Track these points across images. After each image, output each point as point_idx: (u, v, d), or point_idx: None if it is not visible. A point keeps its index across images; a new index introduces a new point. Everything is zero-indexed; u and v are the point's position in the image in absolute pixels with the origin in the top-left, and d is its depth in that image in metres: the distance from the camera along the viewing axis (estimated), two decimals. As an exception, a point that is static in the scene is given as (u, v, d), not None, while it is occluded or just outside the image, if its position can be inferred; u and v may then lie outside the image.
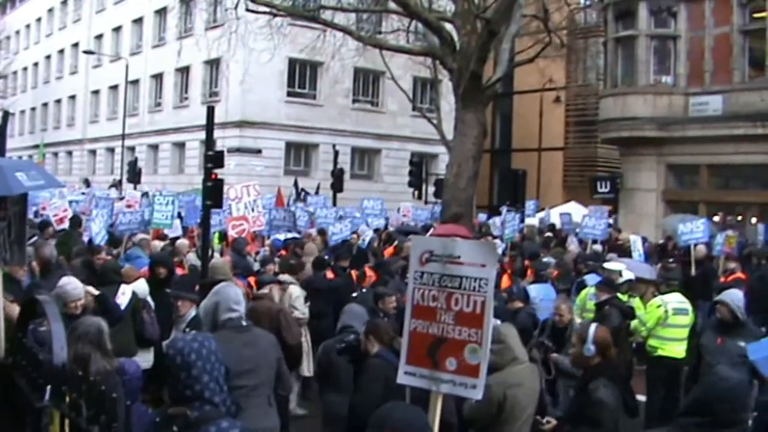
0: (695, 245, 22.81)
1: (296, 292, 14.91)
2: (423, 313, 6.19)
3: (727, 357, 11.47)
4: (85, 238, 21.74)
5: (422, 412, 5.60)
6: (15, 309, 8.62)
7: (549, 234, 29.36)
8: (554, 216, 34.83)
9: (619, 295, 14.73)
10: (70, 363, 7.12)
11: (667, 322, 14.32)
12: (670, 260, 21.54)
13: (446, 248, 6.08)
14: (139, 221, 22.61)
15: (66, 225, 24.48)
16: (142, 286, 12.51)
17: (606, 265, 17.52)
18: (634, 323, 14.30)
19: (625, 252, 24.01)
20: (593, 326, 8.92)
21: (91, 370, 7.24)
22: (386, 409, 5.20)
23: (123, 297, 12.17)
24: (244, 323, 8.46)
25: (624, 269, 16.48)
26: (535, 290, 15.90)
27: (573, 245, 26.04)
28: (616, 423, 8.38)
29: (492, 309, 5.92)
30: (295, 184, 44.24)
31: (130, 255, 17.52)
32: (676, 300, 14.60)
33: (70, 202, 29.13)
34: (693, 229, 23.08)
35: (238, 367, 8.09)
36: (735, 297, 12.58)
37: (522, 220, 30.73)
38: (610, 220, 32.98)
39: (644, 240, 27.19)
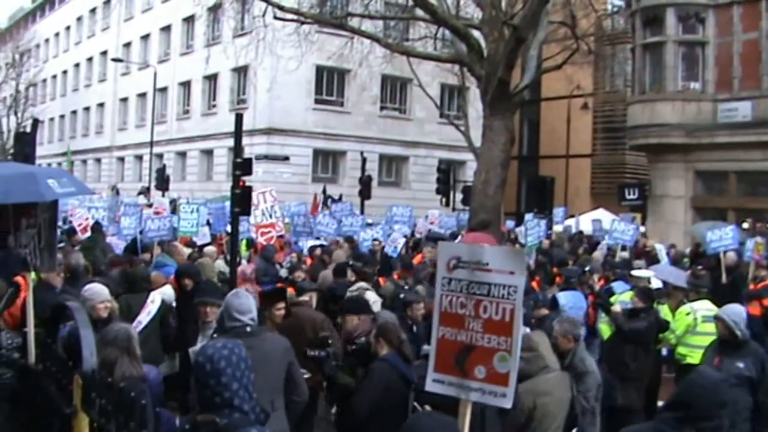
0: (725, 252, 22.64)
1: (372, 297, 14.91)
2: (451, 320, 6.15)
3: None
4: (113, 243, 21.82)
5: (454, 421, 5.59)
6: None
7: (578, 241, 29.25)
8: (582, 223, 34.70)
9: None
10: (99, 368, 7.17)
11: (696, 330, 14.25)
12: (699, 267, 21.40)
13: (474, 255, 6.04)
14: (168, 228, 22.67)
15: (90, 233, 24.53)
16: (168, 292, 12.54)
17: (635, 272, 17.44)
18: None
19: (653, 259, 23.89)
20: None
21: (117, 375, 7.26)
22: (417, 418, 5.19)
23: (153, 305, 12.21)
24: (249, 329, 8.48)
25: (652, 277, 16.42)
26: (565, 297, 15.82)
27: (598, 252, 25.93)
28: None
29: (521, 317, 5.89)
30: (324, 191, 44.28)
31: (158, 262, 17.53)
32: (705, 308, 14.51)
33: (89, 208, 29.19)
34: (722, 236, 22.90)
35: None
36: (732, 312, 11.55)
37: (549, 227, 30.60)
38: (639, 227, 32.84)
39: (670, 247, 27.08)
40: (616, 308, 14.24)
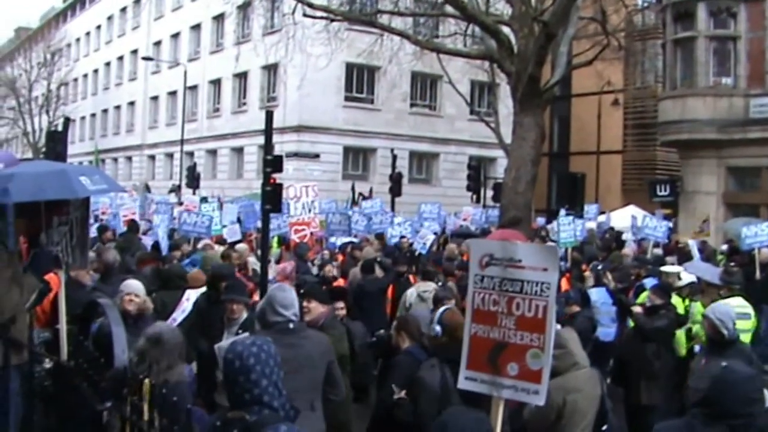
0: (759, 248, 22.48)
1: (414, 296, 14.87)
2: (483, 317, 6.13)
3: (708, 377, 10.40)
4: (146, 243, 21.85)
5: (485, 417, 5.57)
6: None
7: (609, 238, 29.13)
8: (614, 220, 34.55)
9: (679, 298, 14.60)
10: (158, 372, 7.20)
11: (730, 327, 14.13)
12: (732, 264, 21.25)
13: (506, 251, 6.01)
14: (207, 226, 22.73)
15: (158, 228, 24.53)
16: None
17: (664, 268, 17.36)
18: (695, 328, 14.11)
19: (686, 255, 23.76)
20: (441, 308, 9.33)
21: (170, 380, 7.26)
22: (449, 414, 5.17)
23: (188, 303, 12.23)
24: (291, 326, 8.36)
25: (683, 272, 16.31)
26: (596, 294, 15.77)
27: (628, 248, 25.81)
28: (437, 405, 8.27)
29: (554, 314, 5.86)
30: (353, 188, 44.30)
31: (196, 260, 17.56)
32: (737, 304, 14.36)
33: (121, 206, 29.31)
34: (757, 233, 22.70)
35: None
36: (719, 311, 11.06)
37: (583, 224, 30.46)
38: (670, 224, 32.68)
39: (702, 244, 26.93)
40: (636, 308, 14.13)
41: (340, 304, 11.99)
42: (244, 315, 10.65)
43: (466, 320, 6.36)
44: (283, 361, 7.97)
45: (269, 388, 5.09)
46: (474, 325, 6.21)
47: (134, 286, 10.87)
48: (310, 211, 22.62)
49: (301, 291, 11.52)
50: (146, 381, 6.94)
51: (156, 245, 20.50)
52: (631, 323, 14.69)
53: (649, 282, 16.70)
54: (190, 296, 12.45)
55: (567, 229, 24.41)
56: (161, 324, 8.69)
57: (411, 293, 14.90)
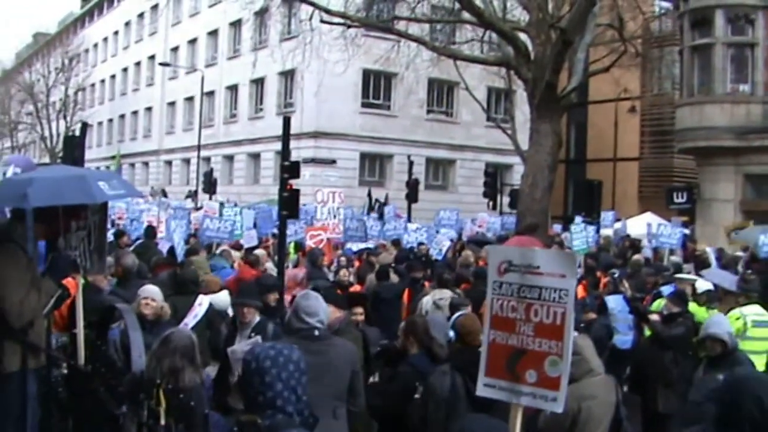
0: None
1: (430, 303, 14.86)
2: (502, 324, 6.11)
3: (702, 393, 9.77)
4: (162, 248, 21.88)
5: (504, 424, 5.56)
6: None
7: (625, 245, 29.05)
8: (630, 227, 34.47)
9: (697, 306, 14.54)
10: (163, 375, 7.22)
11: (746, 335, 14.02)
12: (749, 271, 21.17)
13: (525, 258, 5.99)
14: (229, 231, 22.75)
15: (163, 235, 24.54)
16: (223, 298, 12.54)
17: (678, 275, 17.32)
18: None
19: (704, 263, 23.68)
20: (457, 314, 9.72)
21: (183, 384, 7.28)
22: (467, 421, 5.17)
23: (200, 308, 12.25)
24: (317, 333, 8.31)
25: (699, 280, 16.26)
26: (613, 301, 15.74)
27: (639, 255, 25.75)
28: (445, 412, 8.26)
29: (572, 320, 5.84)
30: (369, 194, 44.33)
31: (215, 265, 17.57)
32: (754, 312, 14.29)
33: (141, 211, 29.38)
34: (776, 240, 22.64)
35: None
36: (720, 323, 10.99)
37: (597, 231, 30.41)
38: (687, 231, 32.59)
39: (719, 251, 26.84)
40: (654, 317, 14.06)
41: (359, 310, 11.99)
42: (257, 319, 10.65)
43: (485, 327, 6.34)
44: (310, 371, 7.99)
45: (284, 392, 5.09)
46: (493, 332, 6.20)
47: (152, 290, 10.91)
48: (335, 216, 22.71)
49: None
50: (157, 385, 6.96)
51: (172, 250, 20.54)
52: (647, 331, 14.65)
53: (667, 289, 16.67)
54: (203, 301, 12.47)
55: (579, 236, 24.38)
56: (177, 328, 8.73)
57: (426, 301, 14.87)
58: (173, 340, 7.62)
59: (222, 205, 35.12)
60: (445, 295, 14.78)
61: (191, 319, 12.12)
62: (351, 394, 8.59)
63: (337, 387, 8.38)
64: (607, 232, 32.38)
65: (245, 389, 5.21)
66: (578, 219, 31.47)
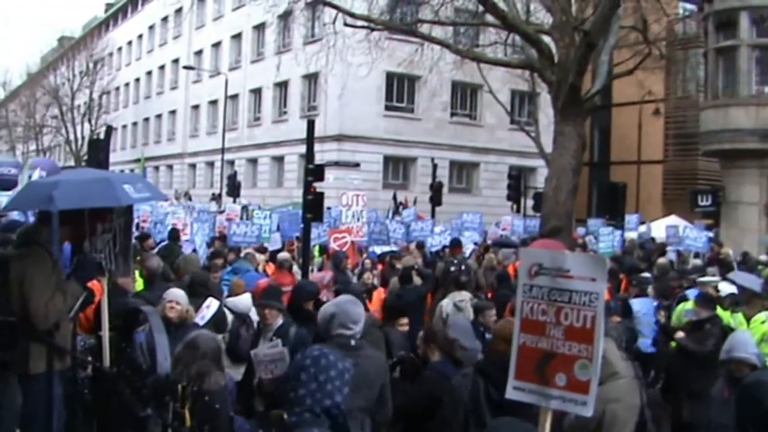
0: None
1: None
2: (532, 327, 6.07)
3: (730, 414, 9.10)
4: (186, 251, 21.91)
5: (533, 428, 5.55)
6: None
7: (650, 248, 28.96)
8: (654, 230, 34.37)
9: (721, 310, 14.46)
10: (190, 378, 7.24)
11: (772, 339, 13.96)
12: (773, 274, 21.08)
13: (555, 261, 5.96)
14: (256, 235, 22.81)
15: (188, 237, 24.61)
16: (245, 302, 12.52)
17: (701, 279, 17.22)
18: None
19: (728, 266, 23.58)
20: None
21: (208, 387, 7.29)
22: (495, 424, 5.17)
23: (207, 310, 12.24)
24: (353, 342, 8.17)
25: (722, 283, 16.19)
26: (638, 304, 15.71)
27: (663, 259, 25.67)
28: (463, 415, 8.21)
29: (603, 324, 5.82)
30: (394, 197, 44.32)
31: (239, 268, 17.58)
32: (779, 315, 14.24)
33: (166, 214, 29.44)
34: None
35: None
36: (746, 344, 10.04)
37: (622, 235, 30.33)
38: (711, 234, 32.47)
39: (743, 255, 26.74)
40: (680, 334, 13.89)
41: (404, 320, 11.95)
42: (279, 321, 10.63)
43: (515, 330, 6.32)
44: None
45: (317, 393, 5.10)
46: (522, 335, 6.16)
47: (176, 293, 10.92)
48: (358, 219, 22.74)
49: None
50: (182, 387, 6.97)
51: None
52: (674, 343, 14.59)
53: (692, 293, 16.60)
54: (211, 303, 12.46)
55: (606, 239, 24.34)
56: (203, 332, 8.73)
57: (447, 303, 14.77)
58: (200, 344, 7.62)
59: (245, 208, 35.18)
60: (465, 297, 14.73)
61: (199, 320, 12.12)
62: (378, 404, 8.43)
63: (368, 399, 8.26)
64: (631, 235, 32.30)
65: (282, 384, 5.24)
66: (598, 222, 31.38)
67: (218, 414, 7.26)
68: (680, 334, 13.81)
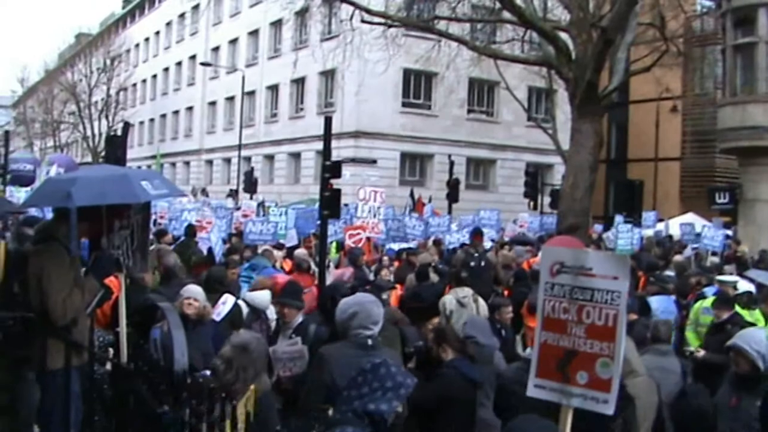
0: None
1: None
2: (553, 325, 6.06)
3: (742, 422, 9.00)
4: (202, 248, 21.93)
5: (553, 425, 5.55)
6: None
7: (667, 246, 28.89)
8: (673, 227, 34.28)
9: (738, 308, 14.41)
10: (245, 382, 7.27)
11: (790, 338, 13.86)
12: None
13: (577, 259, 5.94)
14: (272, 233, 22.82)
15: (211, 233, 24.65)
16: (263, 298, 12.51)
17: (719, 277, 17.15)
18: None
19: (744, 264, 23.51)
20: None
21: (260, 388, 7.30)
22: (516, 421, 5.17)
23: (223, 306, 12.24)
24: (370, 342, 8.15)
25: (739, 281, 16.12)
26: (657, 302, 15.66)
27: (681, 256, 25.61)
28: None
29: (625, 322, 5.80)
30: (411, 194, 44.29)
31: (257, 264, 17.57)
32: (798, 312, 14.19)
33: (182, 210, 29.47)
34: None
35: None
36: (753, 339, 9.49)
37: (640, 232, 30.27)
38: (729, 232, 32.36)
39: (762, 253, 26.65)
40: (699, 354, 13.65)
41: (436, 320, 11.97)
42: (299, 319, 10.63)
43: (537, 328, 6.32)
44: None
45: (365, 397, 5.11)
46: (544, 333, 6.15)
47: (194, 290, 10.95)
48: (375, 216, 22.73)
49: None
50: (250, 391, 6.99)
51: (210, 250, 20.62)
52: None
53: (710, 291, 16.55)
54: (227, 299, 12.47)
55: (625, 236, 24.27)
56: (245, 332, 8.75)
57: (450, 300, 14.73)
58: (254, 349, 7.63)
59: (261, 204, 35.18)
60: (467, 292, 14.71)
61: (215, 317, 12.14)
62: None
63: None
64: (648, 232, 32.24)
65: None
66: (621, 219, 31.29)
67: (267, 416, 7.31)
68: (700, 354, 13.48)
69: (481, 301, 14.49)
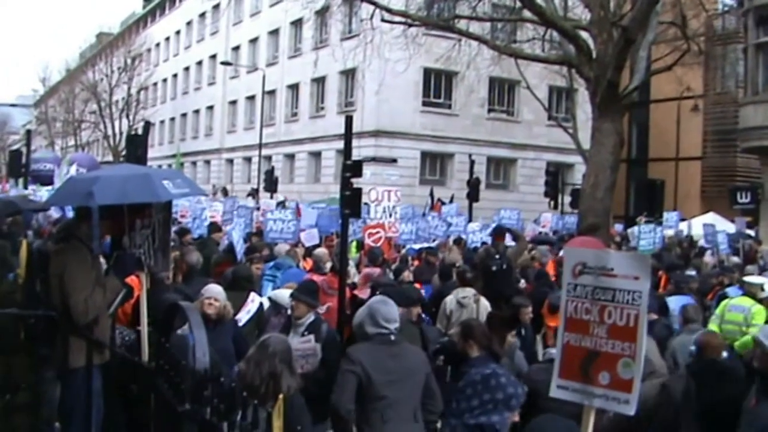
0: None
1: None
2: (576, 326, 6.05)
3: (761, 425, 8.12)
4: (221, 245, 21.99)
5: (575, 425, 5.55)
6: None
7: (688, 245, 28.83)
8: (695, 227, 34.17)
9: (762, 309, 14.35)
10: (262, 380, 7.30)
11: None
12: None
13: (599, 260, 5.94)
14: (293, 231, 22.89)
15: (233, 231, 24.69)
16: (285, 293, 12.55)
17: (747, 278, 17.07)
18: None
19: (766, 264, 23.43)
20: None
21: (282, 388, 7.32)
22: (537, 421, 5.18)
23: (252, 304, 12.29)
24: (392, 338, 8.40)
25: (766, 283, 16.05)
26: (675, 302, 15.60)
27: (708, 257, 25.55)
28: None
29: (646, 322, 5.79)
30: (431, 193, 44.26)
31: (281, 264, 17.64)
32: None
33: (203, 209, 29.55)
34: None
35: (382, 378, 8.12)
36: None
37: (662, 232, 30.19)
38: (751, 232, 32.24)
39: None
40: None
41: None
42: (311, 317, 10.67)
43: (560, 329, 6.32)
44: (388, 371, 8.08)
45: (476, 410, 5.41)
46: (567, 334, 6.14)
47: (215, 290, 10.99)
48: (390, 215, 22.71)
49: (377, 293, 11.56)
50: (280, 396, 7.02)
51: (231, 248, 20.66)
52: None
53: (732, 291, 16.49)
54: (255, 298, 12.50)
55: (647, 236, 24.23)
56: (272, 333, 8.84)
57: (450, 300, 14.75)
58: (271, 344, 7.67)
59: (281, 203, 35.20)
60: (468, 293, 14.71)
61: (244, 315, 12.17)
62: (427, 395, 8.52)
63: (415, 390, 8.41)
64: (668, 232, 32.14)
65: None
66: (642, 219, 31.20)
67: (299, 419, 7.34)
68: None
69: (483, 301, 14.54)
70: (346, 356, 8.35)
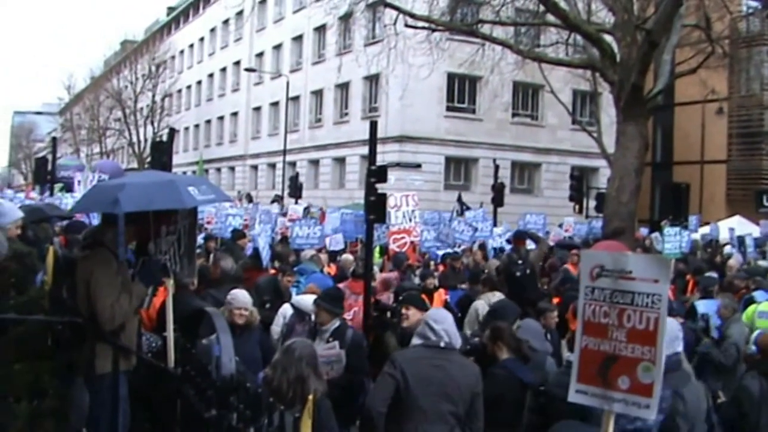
0: None
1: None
2: (594, 330, 6.03)
3: None
4: (246, 251, 22.04)
5: (596, 431, 5.55)
6: None
7: (713, 249, 28.72)
8: (722, 230, 34.02)
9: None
10: (290, 384, 7.34)
11: None
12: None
13: (617, 263, 5.92)
14: (319, 237, 22.98)
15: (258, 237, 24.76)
16: (308, 300, 12.60)
17: (776, 282, 17.02)
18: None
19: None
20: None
21: (309, 392, 7.33)
22: (559, 426, 5.17)
23: (284, 320, 12.41)
24: (442, 345, 8.29)
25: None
26: (703, 306, 15.55)
27: (733, 260, 25.42)
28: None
29: (666, 326, 5.77)
30: (459, 198, 44.21)
31: (305, 269, 17.70)
32: None
33: (227, 215, 29.64)
34: None
35: (418, 384, 8.04)
36: None
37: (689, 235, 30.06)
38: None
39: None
40: None
41: None
42: (336, 324, 10.70)
43: (577, 333, 6.29)
44: (426, 379, 8.03)
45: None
46: (585, 338, 6.11)
47: (243, 299, 11.05)
48: (410, 220, 22.70)
49: (400, 298, 11.59)
50: (310, 397, 7.04)
51: (256, 253, 20.70)
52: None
53: (760, 295, 16.41)
54: (287, 312, 12.63)
55: (672, 240, 24.12)
56: (297, 338, 8.91)
57: (482, 305, 14.73)
58: (297, 348, 7.70)
59: (306, 209, 35.28)
60: (499, 297, 14.73)
61: (274, 329, 12.33)
62: (469, 416, 8.32)
63: (456, 405, 8.20)
64: (695, 236, 32.03)
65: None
66: (668, 223, 31.09)
67: (326, 419, 7.36)
68: None
69: None
70: (390, 359, 8.34)
